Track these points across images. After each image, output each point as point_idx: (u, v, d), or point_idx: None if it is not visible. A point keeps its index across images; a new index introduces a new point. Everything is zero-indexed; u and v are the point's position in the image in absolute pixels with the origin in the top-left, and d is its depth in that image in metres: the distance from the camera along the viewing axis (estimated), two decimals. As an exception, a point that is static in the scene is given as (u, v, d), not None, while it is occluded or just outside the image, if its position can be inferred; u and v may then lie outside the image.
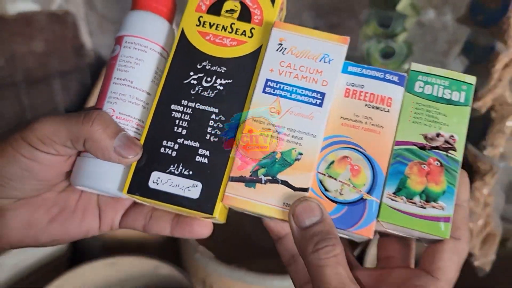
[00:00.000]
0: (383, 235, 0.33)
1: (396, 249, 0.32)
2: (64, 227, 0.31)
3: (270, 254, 1.22)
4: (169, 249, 1.15)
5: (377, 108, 0.30)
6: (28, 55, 1.38)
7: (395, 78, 0.31)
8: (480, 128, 0.70)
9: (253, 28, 0.32)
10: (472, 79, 0.30)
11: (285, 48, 0.31)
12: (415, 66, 0.31)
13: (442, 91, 0.30)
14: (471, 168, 0.76)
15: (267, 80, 0.30)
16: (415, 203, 0.28)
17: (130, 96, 0.31)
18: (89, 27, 1.54)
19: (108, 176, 0.29)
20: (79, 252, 1.23)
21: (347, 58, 0.31)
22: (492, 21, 0.62)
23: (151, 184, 0.29)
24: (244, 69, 0.31)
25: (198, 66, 0.31)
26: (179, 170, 0.29)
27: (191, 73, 0.31)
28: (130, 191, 0.29)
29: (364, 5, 0.79)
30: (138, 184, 0.29)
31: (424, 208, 0.28)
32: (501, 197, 0.77)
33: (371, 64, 0.80)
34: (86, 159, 0.30)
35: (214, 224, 0.30)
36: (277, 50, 0.31)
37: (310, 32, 0.31)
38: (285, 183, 0.28)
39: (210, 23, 0.32)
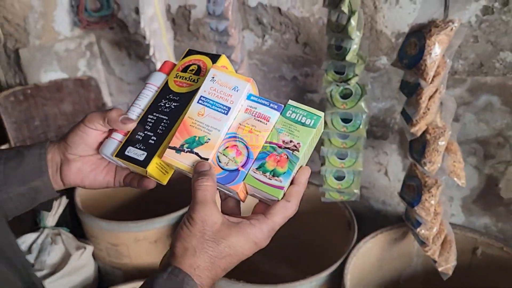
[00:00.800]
0: (260, 201, 0.50)
1: (262, 208, 0.48)
2: (96, 177, 0.54)
3: (269, 276, 1.32)
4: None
5: (260, 121, 0.48)
6: (59, 115, 1.58)
7: (275, 107, 0.49)
8: (420, 148, 0.84)
9: (199, 78, 0.52)
10: (321, 113, 0.48)
11: (215, 80, 0.49)
12: (291, 102, 0.49)
13: (301, 118, 0.48)
14: (421, 183, 0.88)
15: (201, 96, 0.49)
16: (266, 176, 0.46)
17: (137, 112, 0.53)
18: (109, 88, 1.75)
19: (110, 149, 0.52)
20: (105, 282, 1.35)
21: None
22: (413, 63, 0.77)
23: (126, 153, 0.50)
24: (188, 97, 0.51)
25: (167, 97, 0.53)
26: (139, 146, 0.50)
27: (163, 100, 0.53)
28: (116, 155, 0.51)
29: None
30: (121, 152, 0.51)
31: (271, 179, 0.46)
32: (448, 207, 0.88)
33: (334, 104, 0.96)
34: (106, 139, 0.53)
35: None
36: (210, 80, 0.49)
37: (231, 73, 0.50)
38: (197, 154, 0.47)
39: (180, 76, 0.54)
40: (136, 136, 0.51)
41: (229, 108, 0.48)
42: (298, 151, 0.46)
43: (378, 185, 1.21)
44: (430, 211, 0.87)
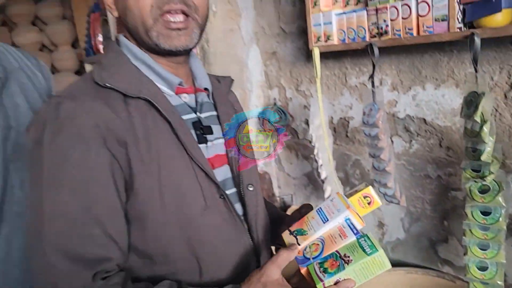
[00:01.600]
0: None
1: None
2: None
3: None
4: None
5: (341, 237, 0.68)
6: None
7: (355, 232, 0.67)
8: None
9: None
10: (380, 249, 0.65)
11: (332, 201, 0.73)
12: (369, 234, 0.67)
13: (365, 246, 0.67)
14: None
15: (320, 207, 0.73)
16: (320, 270, 0.66)
17: None
18: (278, 182, 2.08)
19: None
20: None
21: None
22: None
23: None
24: None
25: None
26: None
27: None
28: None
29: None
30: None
31: (320, 273, 0.65)
32: None
33: (473, 198, 1.05)
34: None
35: None
36: (330, 200, 0.74)
37: (343, 200, 0.71)
38: (296, 239, 0.70)
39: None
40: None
41: (328, 220, 0.69)
42: (348, 264, 0.64)
43: (531, 286, 1.17)
44: None
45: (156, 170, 0.67)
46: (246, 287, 0.66)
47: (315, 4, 1.39)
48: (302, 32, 1.64)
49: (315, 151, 1.58)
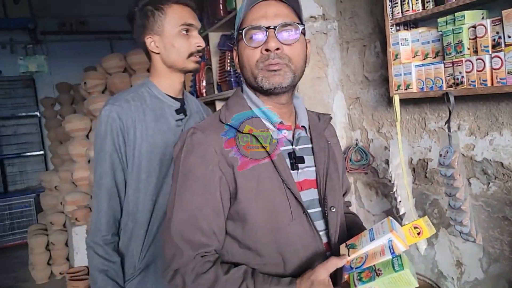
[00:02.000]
0: None
1: None
2: None
3: None
4: None
5: (380, 254, 0.80)
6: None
7: (391, 252, 0.79)
8: None
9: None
10: (407, 269, 0.76)
11: (382, 224, 0.85)
12: (403, 255, 0.79)
13: (396, 264, 0.77)
14: None
15: (372, 227, 0.86)
16: (357, 278, 0.79)
17: None
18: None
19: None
20: None
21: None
22: None
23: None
24: None
25: None
26: None
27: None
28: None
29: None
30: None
31: (356, 280, 0.79)
32: None
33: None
34: None
35: None
36: (380, 223, 0.85)
37: (389, 225, 0.83)
38: (348, 251, 0.83)
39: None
40: None
41: (374, 238, 0.82)
42: (378, 276, 0.77)
43: None
44: None
45: (255, 186, 0.89)
46: (299, 281, 0.83)
47: (396, 56, 1.57)
48: (384, 80, 1.81)
49: (394, 188, 1.70)
